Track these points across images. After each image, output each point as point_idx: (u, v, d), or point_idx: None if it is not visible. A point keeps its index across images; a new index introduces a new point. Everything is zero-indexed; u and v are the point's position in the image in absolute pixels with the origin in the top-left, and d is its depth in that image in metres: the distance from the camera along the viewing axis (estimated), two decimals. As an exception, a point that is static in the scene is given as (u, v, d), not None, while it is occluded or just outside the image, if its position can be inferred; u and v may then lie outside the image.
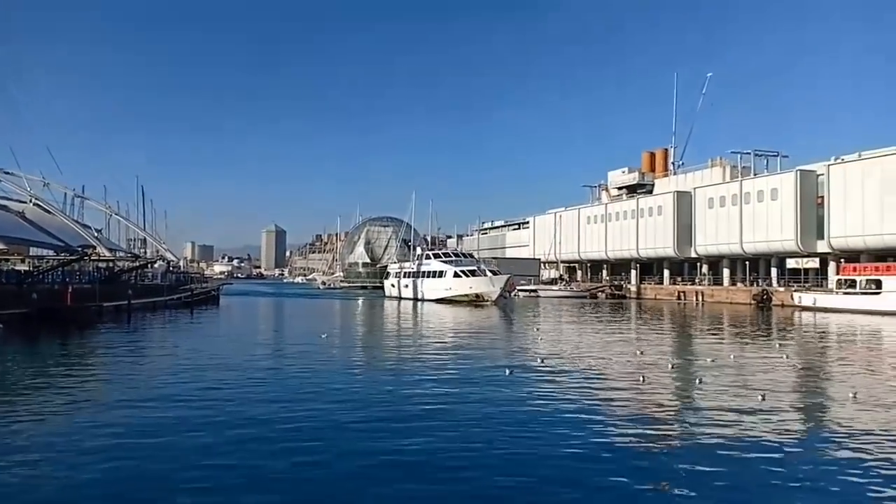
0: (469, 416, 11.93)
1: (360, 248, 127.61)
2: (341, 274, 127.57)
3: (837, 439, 10.54)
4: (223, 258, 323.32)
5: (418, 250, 74.87)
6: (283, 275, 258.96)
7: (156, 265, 55.97)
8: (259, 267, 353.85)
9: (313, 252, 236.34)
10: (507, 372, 16.85)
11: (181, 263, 79.47)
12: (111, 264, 44.80)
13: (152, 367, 18.11)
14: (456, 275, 59.92)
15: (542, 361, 19.18)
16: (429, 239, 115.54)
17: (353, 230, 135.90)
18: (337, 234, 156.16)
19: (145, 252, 66.54)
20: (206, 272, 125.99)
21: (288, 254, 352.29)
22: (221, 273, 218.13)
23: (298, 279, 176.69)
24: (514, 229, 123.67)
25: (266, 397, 13.46)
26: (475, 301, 56.54)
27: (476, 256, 75.67)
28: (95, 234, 46.35)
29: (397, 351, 23.48)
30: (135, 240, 71.96)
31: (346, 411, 12.21)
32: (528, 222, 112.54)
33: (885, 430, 11.02)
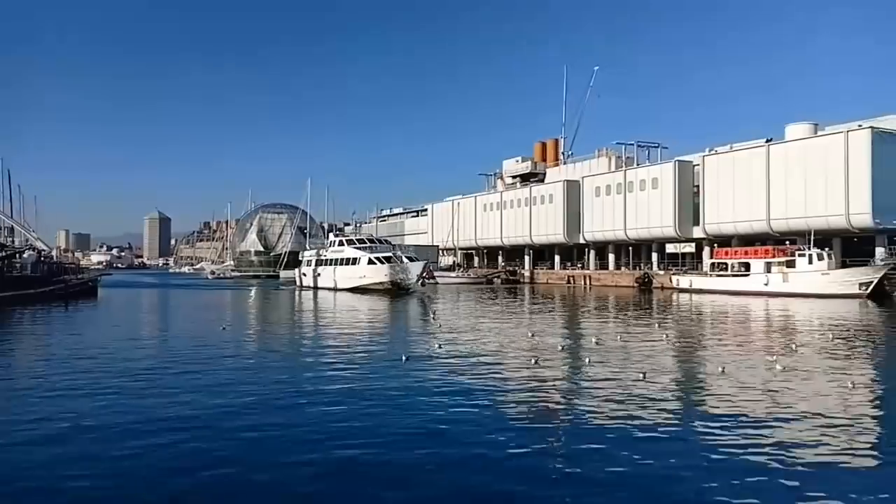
0: (361, 403, 11.88)
1: (252, 236, 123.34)
2: (232, 263, 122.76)
3: (708, 411, 11.44)
4: (101, 247, 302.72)
5: (331, 236, 72.03)
6: (168, 264, 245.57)
7: (24, 255, 51.59)
8: (141, 256, 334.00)
9: (201, 240, 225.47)
10: (404, 358, 16.93)
11: (54, 253, 73.69)
12: (-30, 255, 40.77)
13: (19, 368, 16.69)
14: (370, 262, 57.09)
15: (439, 346, 19.43)
16: (325, 226, 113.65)
17: (245, 217, 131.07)
18: (227, 222, 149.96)
19: (12, 241, 61.06)
20: (82, 262, 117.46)
21: (173, 242, 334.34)
22: (100, 263, 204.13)
23: (185, 269, 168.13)
24: (413, 216, 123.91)
25: (162, 392, 12.80)
26: (391, 289, 54.65)
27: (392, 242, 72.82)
28: (-49, 222, 42.11)
29: (296, 342, 23.00)
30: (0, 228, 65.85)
31: (232, 402, 11.83)
32: (426, 210, 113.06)
33: (748, 399, 12.06)
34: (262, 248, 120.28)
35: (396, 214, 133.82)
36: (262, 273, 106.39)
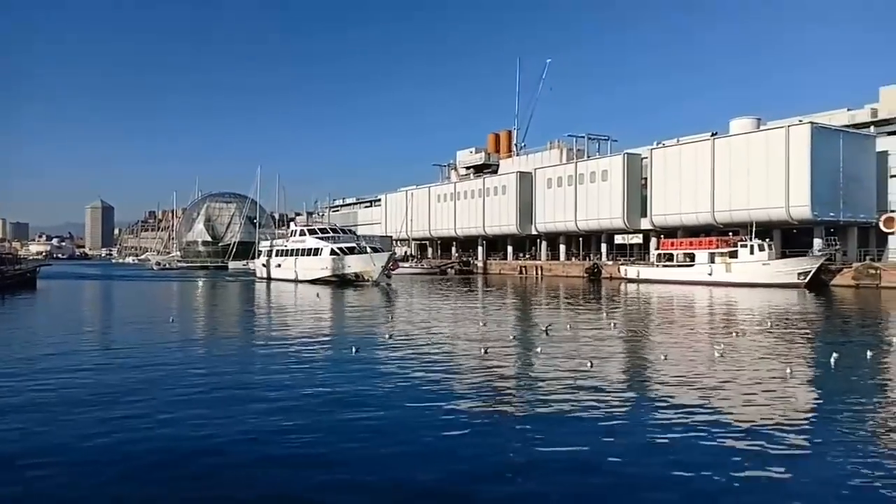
0: (308, 394, 11.71)
1: (199, 226, 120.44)
2: (178, 253, 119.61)
3: (650, 398, 11.69)
4: (41, 237, 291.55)
5: (292, 225, 69.74)
6: (111, 255, 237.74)
7: (-45, 245, 49.17)
8: (83, 246, 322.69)
9: (146, 230, 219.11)
10: (354, 350, 16.76)
11: (-12, 243, 70.42)
12: None
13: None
14: (333, 252, 54.88)
15: (390, 337, 19.33)
16: (276, 216, 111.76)
17: (192, 206, 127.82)
18: (173, 211, 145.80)
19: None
20: (20, 252, 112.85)
21: (116, 232, 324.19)
22: (39, 253, 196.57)
23: (129, 259, 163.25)
24: (367, 206, 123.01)
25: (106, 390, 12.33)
26: (355, 281, 52.86)
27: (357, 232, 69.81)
28: None
29: (246, 334, 22.56)
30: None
31: (182, 391, 11.49)
32: (380, 200, 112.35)
33: (689, 383, 12.39)
34: (209, 238, 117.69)
35: (350, 204, 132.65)
36: (210, 264, 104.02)
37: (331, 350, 17.40)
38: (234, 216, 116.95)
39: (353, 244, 56.70)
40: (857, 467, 7.99)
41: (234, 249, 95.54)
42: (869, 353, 15.84)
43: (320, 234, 59.18)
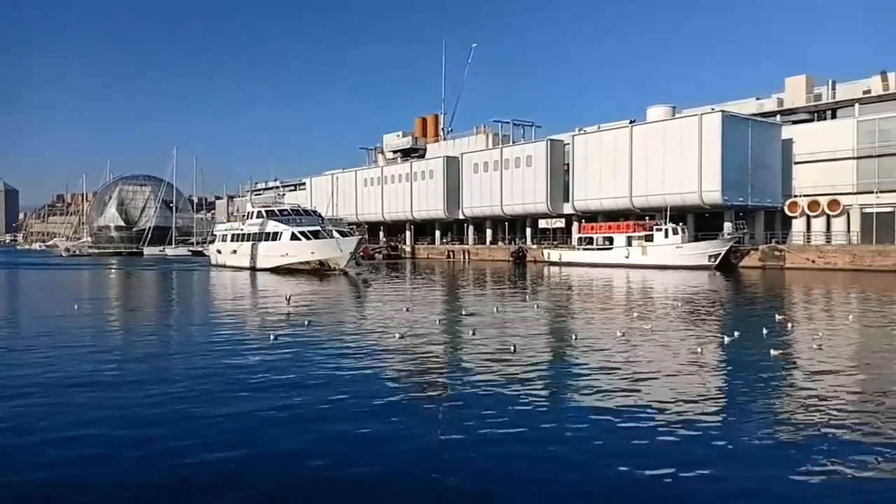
0: (223, 384, 11.38)
1: (112, 210, 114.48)
2: (89, 239, 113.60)
3: (563, 376, 12.04)
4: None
5: (248, 206, 64.46)
6: (15, 241, 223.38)
7: None
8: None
9: (54, 215, 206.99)
10: (273, 337, 16.40)
11: None
12: None
13: None
14: (294, 237, 49.57)
15: (309, 324, 19.04)
16: (194, 200, 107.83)
17: (104, 189, 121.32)
18: (83, 195, 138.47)
19: None
20: None
21: (22, 216, 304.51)
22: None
23: (36, 245, 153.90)
24: (291, 190, 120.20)
25: None
26: (319, 269, 47.94)
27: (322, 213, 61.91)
28: None
29: (159, 322, 21.66)
30: None
31: (95, 388, 10.92)
32: (304, 184, 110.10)
33: (600, 360, 12.80)
34: (122, 223, 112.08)
35: (273, 188, 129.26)
36: (123, 250, 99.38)
37: (247, 339, 16.96)
38: (148, 200, 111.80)
39: (317, 227, 50.82)
40: (757, 440, 8.46)
41: (150, 235, 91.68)
42: (765, 331, 16.81)
43: (280, 216, 53.21)
